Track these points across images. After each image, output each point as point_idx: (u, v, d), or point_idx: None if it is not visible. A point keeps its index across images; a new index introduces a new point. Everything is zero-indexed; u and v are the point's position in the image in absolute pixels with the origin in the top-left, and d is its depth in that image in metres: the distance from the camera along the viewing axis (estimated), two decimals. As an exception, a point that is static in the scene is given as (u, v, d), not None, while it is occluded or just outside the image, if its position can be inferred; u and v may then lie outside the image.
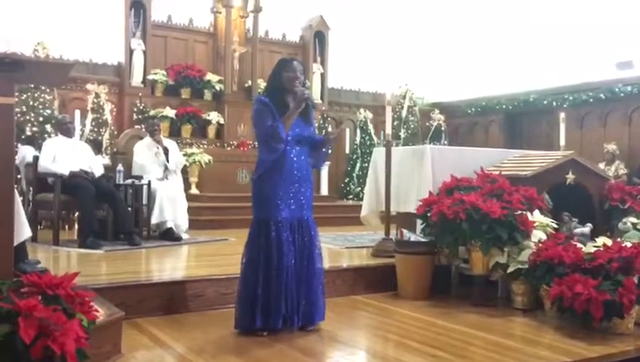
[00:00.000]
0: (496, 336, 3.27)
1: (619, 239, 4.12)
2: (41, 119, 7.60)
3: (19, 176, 6.35)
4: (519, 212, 4.04)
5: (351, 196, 10.35)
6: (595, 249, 3.68)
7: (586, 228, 4.65)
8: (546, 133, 10.21)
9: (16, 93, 2.52)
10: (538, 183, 4.54)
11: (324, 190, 9.53)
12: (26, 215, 3.81)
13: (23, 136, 7.27)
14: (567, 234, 4.37)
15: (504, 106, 10.85)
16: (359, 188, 9.92)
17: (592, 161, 5.73)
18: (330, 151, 3.62)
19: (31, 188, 5.96)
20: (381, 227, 5.31)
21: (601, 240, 3.87)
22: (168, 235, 5.94)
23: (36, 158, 5.73)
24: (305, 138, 3.36)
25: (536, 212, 4.25)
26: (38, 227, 6.02)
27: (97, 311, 2.45)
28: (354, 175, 10.53)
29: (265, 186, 3.26)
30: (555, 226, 4.27)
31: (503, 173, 4.59)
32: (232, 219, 7.45)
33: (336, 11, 10.51)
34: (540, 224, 4.15)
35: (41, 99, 7.73)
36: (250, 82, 9.77)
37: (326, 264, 4.42)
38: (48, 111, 7.72)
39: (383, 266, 4.52)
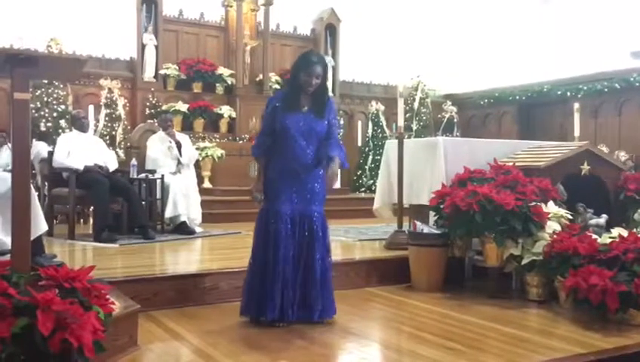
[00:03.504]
0: (511, 328, 3.26)
1: (634, 230, 4.08)
2: (55, 115, 7.67)
3: (33, 172, 6.41)
4: (533, 203, 4.01)
5: (363, 189, 10.35)
6: (611, 240, 3.65)
7: (601, 219, 4.61)
8: (560, 124, 10.12)
9: (31, 89, 2.52)
10: (552, 174, 4.51)
11: (337, 183, 9.51)
12: (42, 209, 3.85)
13: (38, 132, 7.34)
14: (582, 225, 4.34)
15: (517, 97, 10.76)
16: (372, 181, 9.91)
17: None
18: (336, 165, 3.36)
19: (46, 183, 6.02)
20: (394, 219, 5.30)
21: (617, 231, 3.83)
22: (182, 229, 5.98)
23: (51, 154, 5.78)
24: (314, 133, 3.30)
25: (551, 203, 4.22)
26: (54, 221, 6.08)
27: (113, 304, 2.47)
28: (366, 167, 10.52)
29: (268, 178, 3.31)
30: (570, 217, 4.23)
31: (517, 164, 4.55)
32: (245, 213, 7.43)
33: (348, 3, 10.47)
34: (555, 215, 4.12)
35: (55, 95, 7.80)
36: (261, 76, 9.78)
37: (339, 256, 4.47)
38: (62, 107, 7.79)
39: (397, 258, 4.52)
